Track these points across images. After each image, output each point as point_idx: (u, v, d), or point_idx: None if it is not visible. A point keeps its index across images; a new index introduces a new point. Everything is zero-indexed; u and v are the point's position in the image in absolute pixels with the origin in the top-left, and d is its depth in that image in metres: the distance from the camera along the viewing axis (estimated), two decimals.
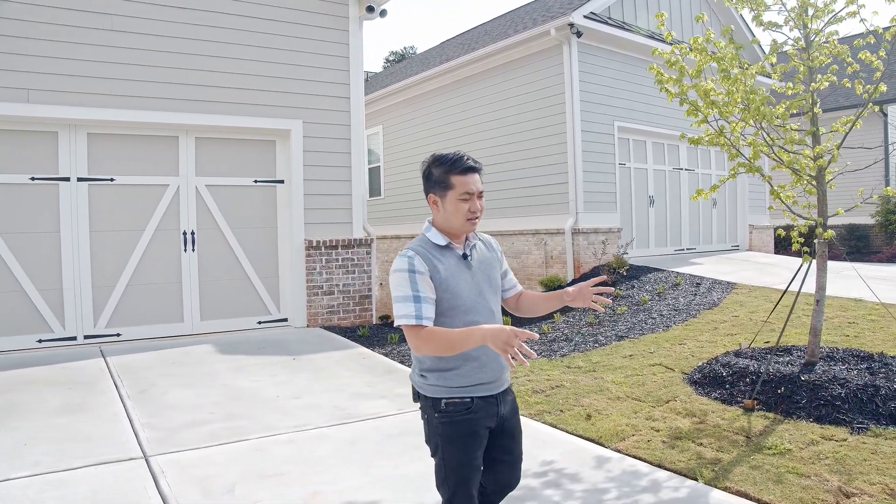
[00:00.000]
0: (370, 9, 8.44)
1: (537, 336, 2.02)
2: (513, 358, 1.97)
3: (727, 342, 6.63)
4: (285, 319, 8.45)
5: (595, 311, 2.26)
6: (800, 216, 5.40)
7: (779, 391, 4.92)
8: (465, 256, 2.42)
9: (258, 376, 5.92)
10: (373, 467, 3.89)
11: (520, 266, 11.27)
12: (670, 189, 12.60)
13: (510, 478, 2.56)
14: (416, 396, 2.43)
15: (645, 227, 12.11)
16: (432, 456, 2.40)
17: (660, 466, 3.91)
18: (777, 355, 5.67)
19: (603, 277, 2.68)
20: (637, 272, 10.04)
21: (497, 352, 2.04)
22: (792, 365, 5.34)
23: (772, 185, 5.41)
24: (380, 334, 7.93)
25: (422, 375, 2.39)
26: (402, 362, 6.53)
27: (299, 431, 4.53)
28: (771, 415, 4.70)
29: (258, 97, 8.04)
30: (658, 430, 4.53)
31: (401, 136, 14.50)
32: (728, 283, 9.60)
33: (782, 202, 5.39)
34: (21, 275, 6.99)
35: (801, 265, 5.57)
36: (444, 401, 2.33)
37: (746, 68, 5.15)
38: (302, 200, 8.33)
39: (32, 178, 7.08)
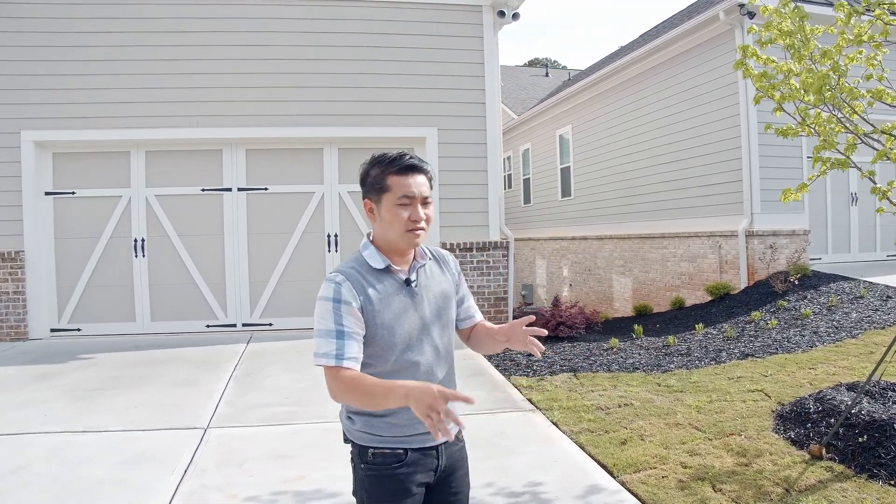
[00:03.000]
0: (501, 13, 8.69)
1: (473, 399, 1.72)
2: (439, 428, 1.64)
3: (865, 372, 5.74)
4: None
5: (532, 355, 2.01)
6: None
7: (860, 439, 4.25)
8: (407, 282, 2.04)
9: None
10: None
11: (695, 270, 10.61)
12: (883, 184, 10.74)
13: None
14: (346, 439, 2.10)
15: (844, 228, 10.56)
16: None
17: None
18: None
19: (531, 318, 2.08)
20: (817, 281, 8.85)
21: (422, 411, 1.66)
22: (892, 409, 4.55)
23: None
24: None
25: (349, 418, 2.05)
26: (498, 366, 6.71)
27: (334, 422, 5.10)
28: (839, 467, 4.08)
29: (395, 108, 8.79)
30: (687, 467, 4.23)
31: (589, 134, 14.38)
32: None
33: None
34: (194, 270, 8.64)
35: None
36: (371, 450, 1.98)
37: None
38: (438, 205, 8.92)
39: (203, 190, 8.69)
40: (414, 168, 1.99)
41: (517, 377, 6.27)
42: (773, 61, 4.66)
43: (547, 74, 24.58)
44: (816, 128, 4.65)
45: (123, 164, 8.56)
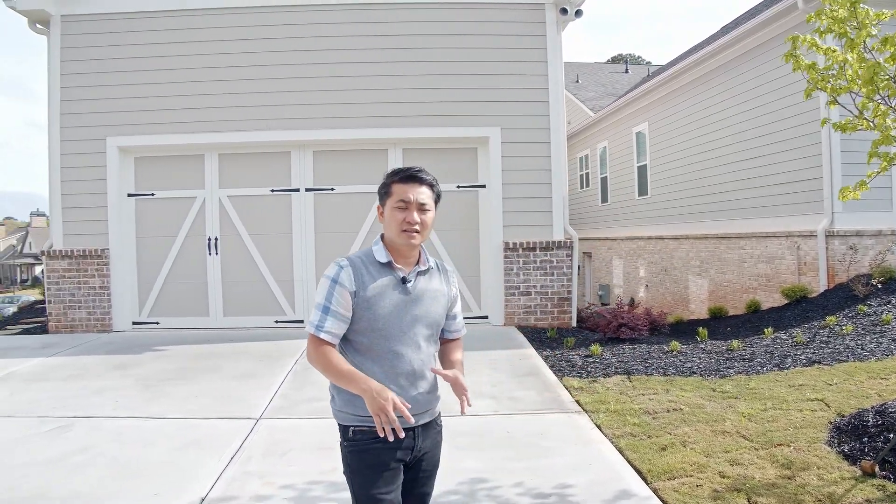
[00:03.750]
0: (563, 11, 8.65)
1: (410, 418, 2.03)
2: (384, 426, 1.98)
3: None
4: (486, 317, 9.21)
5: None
6: None
7: None
8: (404, 280, 2.27)
9: None
10: None
11: (772, 272, 10.19)
12: None
13: None
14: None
15: None
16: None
17: None
18: None
19: (465, 391, 2.26)
20: None
21: (371, 406, 2.03)
22: None
23: None
24: (566, 337, 8.10)
25: (331, 396, 2.31)
26: (553, 366, 6.69)
27: None
28: (893, 486, 3.91)
29: (458, 108, 8.91)
30: (725, 477, 4.13)
31: (665, 131, 14.03)
32: None
33: None
34: (263, 267, 9.07)
35: None
36: (351, 429, 2.23)
37: None
38: (501, 204, 8.99)
39: (272, 190, 9.11)
40: (415, 178, 2.27)
41: (570, 378, 6.26)
42: (834, 51, 4.49)
43: (627, 71, 24.09)
44: (875, 121, 4.45)
45: (198, 167, 9.11)
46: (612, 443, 4.65)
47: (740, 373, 6.28)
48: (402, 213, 2.23)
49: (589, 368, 6.56)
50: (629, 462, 4.34)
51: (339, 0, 8.89)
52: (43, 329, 9.39)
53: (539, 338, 8.14)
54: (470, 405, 2.26)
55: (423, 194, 2.27)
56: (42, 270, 9.45)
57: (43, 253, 9.03)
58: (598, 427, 4.95)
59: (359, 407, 2.16)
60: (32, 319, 11.02)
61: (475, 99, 8.92)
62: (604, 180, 18.02)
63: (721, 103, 11.82)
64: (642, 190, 15.33)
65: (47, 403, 5.61)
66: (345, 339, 2.27)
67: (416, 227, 2.23)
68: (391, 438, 1.98)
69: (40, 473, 4.09)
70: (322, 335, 2.17)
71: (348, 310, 2.19)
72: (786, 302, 9.23)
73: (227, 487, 3.95)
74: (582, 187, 19.89)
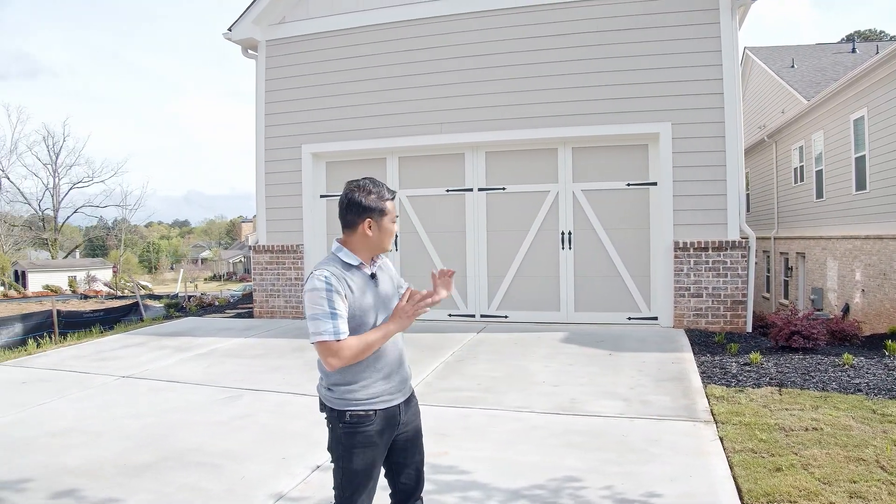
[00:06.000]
0: None
1: (433, 295, 2.69)
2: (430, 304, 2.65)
3: None
4: (655, 318, 9.29)
5: None
6: None
7: None
8: (372, 276, 2.75)
9: (553, 363, 7.21)
10: (507, 451, 4.69)
11: None
12: None
13: (415, 483, 2.89)
14: (323, 407, 2.74)
15: None
16: (332, 462, 2.71)
17: None
18: None
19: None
20: None
21: (408, 322, 2.64)
22: None
23: None
24: (732, 342, 8.00)
25: (328, 389, 2.70)
26: (704, 373, 6.67)
27: (502, 410, 5.61)
28: None
29: (626, 105, 9.09)
30: None
31: (886, 117, 12.79)
32: None
33: None
34: (439, 263, 9.88)
35: None
36: (348, 413, 2.64)
37: None
38: (671, 202, 9.03)
39: (447, 190, 9.98)
40: (394, 196, 2.83)
41: (715, 386, 6.18)
42: None
43: (854, 50, 21.87)
44: None
45: (381, 169, 10.23)
46: (726, 457, 4.50)
47: None
48: (395, 224, 2.78)
49: (741, 377, 6.45)
50: (734, 479, 4.17)
51: (505, 4, 9.51)
52: (250, 314, 11.14)
53: (704, 342, 8.10)
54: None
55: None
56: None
57: (251, 248, 10.71)
58: (721, 439, 4.79)
59: (360, 393, 2.65)
60: (247, 305, 13.03)
61: (644, 94, 9.06)
62: (819, 174, 16.76)
63: None
64: (860, 184, 14.11)
65: (231, 376, 6.84)
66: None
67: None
68: (430, 302, 2.67)
69: (204, 432, 5.10)
70: (342, 337, 2.56)
71: (346, 311, 2.61)
72: None
73: None
74: (796, 182, 18.61)
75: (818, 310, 15.53)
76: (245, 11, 10.49)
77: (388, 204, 2.76)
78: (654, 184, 9.27)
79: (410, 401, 2.84)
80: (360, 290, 2.66)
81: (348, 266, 2.69)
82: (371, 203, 2.71)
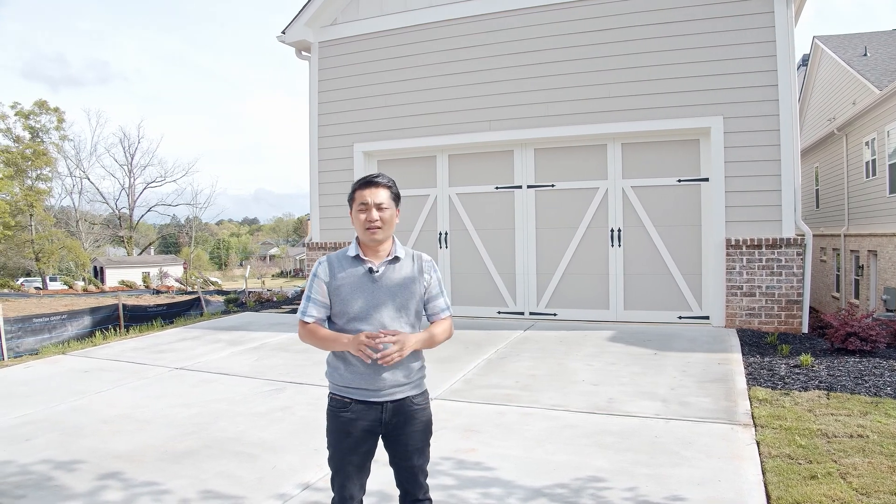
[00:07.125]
0: None
1: (372, 355, 2.61)
2: (376, 354, 2.61)
3: None
4: (707, 317, 9.11)
5: None
6: None
7: None
8: (370, 270, 2.74)
9: (596, 362, 7.17)
10: (535, 450, 4.73)
11: None
12: None
13: (410, 485, 2.87)
14: None
15: None
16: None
17: None
18: None
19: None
20: None
21: (353, 349, 2.63)
22: None
23: None
24: (784, 343, 7.80)
25: (327, 363, 2.88)
26: (751, 374, 6.53)
27: (537, 408, 5.63)
28: None
29: (676, 99, 8.94)
30: None
31: None
32: None
33: None
34: (488, 261, 10.02)
35: None
36: (330, 394, 2.81)
37: None
38: (723, 198, 8.83)
39: (496, 188, 10.02)
40: (372, 183, 2.74)
41: (760, 388, 6.03)
42: None
43: None
44: None
45: (431, 167, 10.37)
46: (760, 462, 4.40)
47: None
48: (364, 213, 2.71)
49: (788, 380, 6.28)
50: (765, 485, 4.07)
51: (554, 0, 9.48)
52: None
53: (756, 342, 7.92)
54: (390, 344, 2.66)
55: (380, 195, 2.73)
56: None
57: (305, 245, 11.01)
58: (757, 444, 4.69)
59: (336, 377, 2.77)
60: None
61: (694, 88, 8.90)
62: (892, 167, 16.04)
63: None
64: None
65: (277, 370, 7.08)
66: (331, 323, 2.82)
67: (377, 223, 2.70)
68: (368, 361, 2.63)
69: (245, 422, 5.32)
70: (306, 318, 2.76)
71: (325, 296, 2.74)
72: None
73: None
74: (868, 176, 17.85)
75: (890, 310, 14.94)
76: (298, 14, 10.78)
77: (357, 193, 2.77)
78: (706, 179, 9.10)
79: (403, 406, 2.78)
80: (345, 280, 2.72)
81: (347, 257, 2.78)
82: (349, 195, 2.82)
